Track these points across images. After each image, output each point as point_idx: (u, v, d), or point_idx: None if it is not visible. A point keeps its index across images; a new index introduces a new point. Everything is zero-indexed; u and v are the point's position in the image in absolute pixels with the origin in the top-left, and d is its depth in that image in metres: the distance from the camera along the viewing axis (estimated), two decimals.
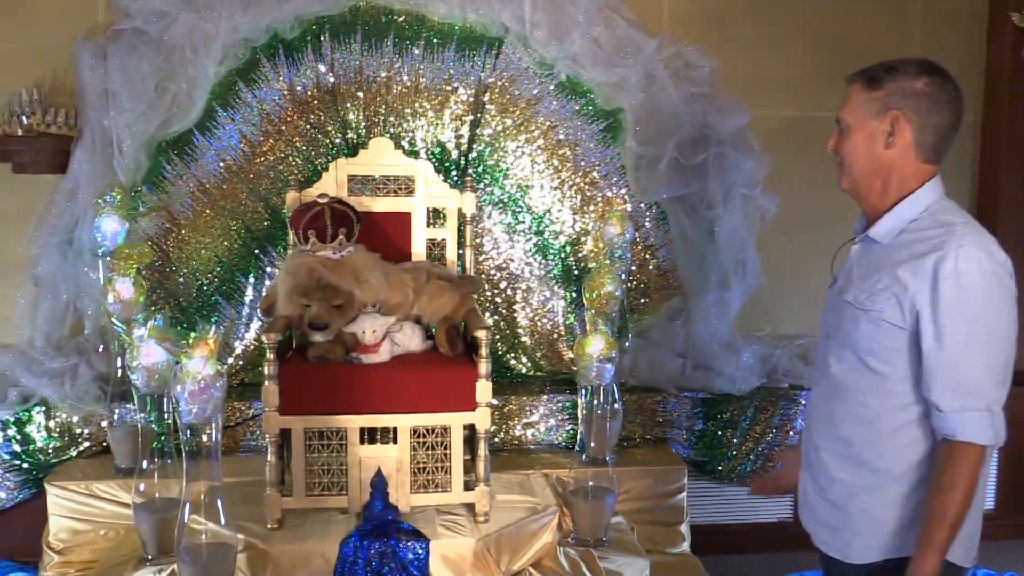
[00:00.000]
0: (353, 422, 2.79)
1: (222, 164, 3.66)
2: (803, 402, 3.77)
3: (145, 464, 2.90)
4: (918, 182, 1.93)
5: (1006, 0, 4.05)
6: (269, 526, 2.79)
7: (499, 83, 3.75)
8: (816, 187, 4.16)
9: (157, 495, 2.89)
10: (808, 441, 2.13)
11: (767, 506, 4.01)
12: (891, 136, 1.90)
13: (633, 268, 3.83)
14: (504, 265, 3.87)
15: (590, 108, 3.81)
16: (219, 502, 2.51)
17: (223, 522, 2.51)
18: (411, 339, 2.99)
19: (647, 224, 3.88)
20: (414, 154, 3.66)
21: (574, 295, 3.86)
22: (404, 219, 3.35)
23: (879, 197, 1.96)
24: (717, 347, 3.82)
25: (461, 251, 3.42)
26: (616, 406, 3.27)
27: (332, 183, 3.30)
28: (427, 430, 2.84)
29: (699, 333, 3.83)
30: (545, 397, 3.64)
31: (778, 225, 3.91)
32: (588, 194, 3.84)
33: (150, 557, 2.85)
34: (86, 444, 3.43)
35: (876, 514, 1.95)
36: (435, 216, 3.45)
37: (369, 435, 2.85)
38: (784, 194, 3.86)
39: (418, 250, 3.36)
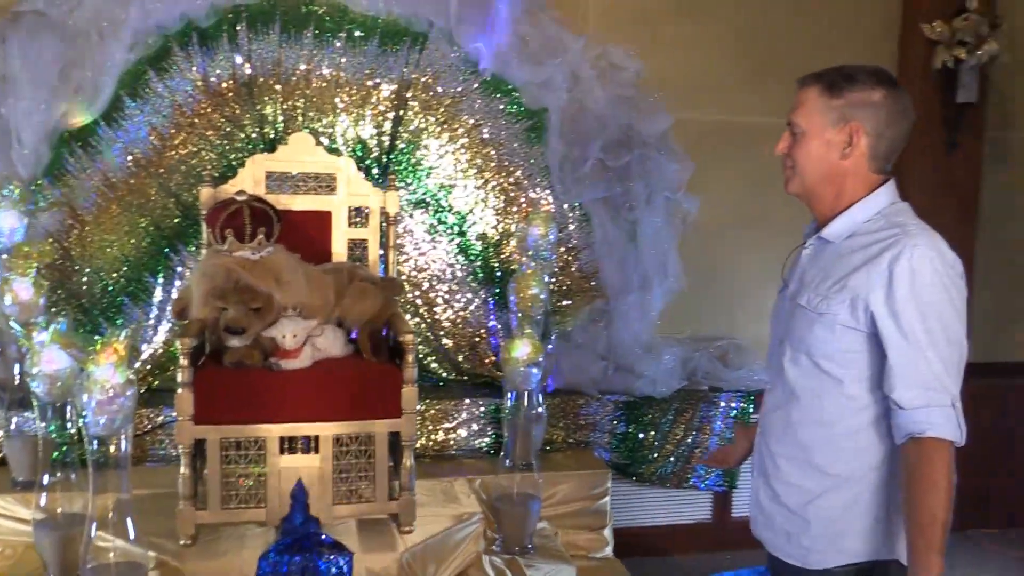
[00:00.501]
0: (272, 431, 2.67)
1: (130, 157, 3.46)
2: (722, 404, 3.81)
3: (46, 477, 2.72)
4: (866, 188, 1.95)
5: (918, 12, 4.17)
6: (182, 542, 2.65)
7: (423, 79, 3.65)
8: (737, 190, 4.23)
9: (59, 510, 2.71)
10: (763, 448, 2.11)
11: (687, 507, 4.04)
12: (848, 147, 1.92)
13: (556, 270, 3.79)
14: (425, 266, 3.78)
15: (515, 107, 3.75)
16: (128, 517, 2.37)
17: (132, 538, 2.37)
18: (333, 344, 2.88)
19: (570, 226, 3.84)
20: (335, 151, 3.54)
21: (497, 297, 3.80)
22: (324, 218, 3.24)
23: (830, 203, 1.97)
24: (638, 349, 3.82)
25: (383, 252, 3.33)
26: (540, 410, 3.23)
27: (249, 180, 3.17)
28: (350, 438, 2.74)
29: (621, 335, 3.82)
30: (467, 401, 3.57)
31: (699, 227, 3.94)
32: (512, 194, 3.78)
33: None
34: None
35: (835, 519, 1.95)
36: (356, 215, 3.34)
37: (289, 444, 2.74)
38: (705, 197, 3.89)
39: (339, 251, 3.25)
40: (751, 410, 3.82)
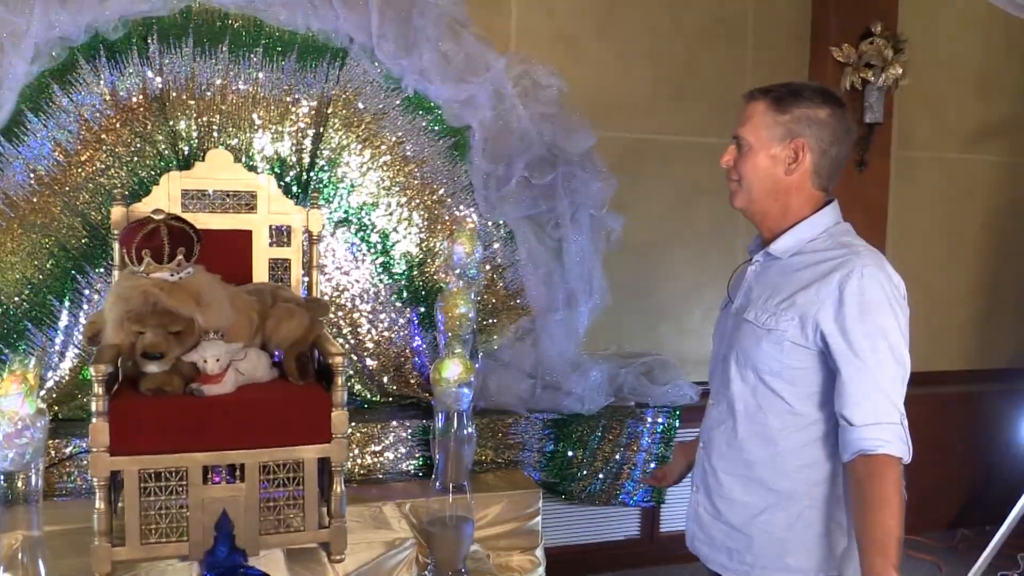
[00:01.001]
0: (195, 460, 2.54)
1: (32, 175, 3.29)
2: (649, 420, 3.82)
3: None
4: (811, 205, 1.97)
5: (826, 35, 4.31)
6: None
7: (343, 95, 3.58)
8: (658, 208, 4.29)
9: None
10: (705, 463, 2.10)
11: (616, 524, 4.05)
12: (794, 163, 1.93)
13: (481, 288, 3.76)
14: (348, 286, 3.70)
15: (437, 125, 3.71)
16: (40, 556, 2.22)
17: None
18: (257, 367, 2.76)
19: (495, 244, 3.82)
20: (252, 168, 3.43)
21: (422, 316, 3.75)
22: (244, 238, 3.14)
23: (776, 219, 1.98)
24: (565, 367, 3.80)
25: (306, 272, 3.24)
26: (470, 431, 3.18)
27: (164, 198, 3.05)
28: (277, 466, 2.63)
29: (547, 353, 3.81)
30: (394, 423, 3.49)
31: (622, 245, 3.96)
32: (435, 212, 3.74)
33: None
34: None
35: (778, 535, 1.95)
36: (278, 234, 3.24)
37: (212, 473, 2.62)
38: (628, 214, 3.92)
39: (260, 271, 3.15)
40: (677, 425, 3.85)
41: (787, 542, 1.95)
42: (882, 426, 1.78)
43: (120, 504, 2.65)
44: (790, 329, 1.88)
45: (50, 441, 3.13)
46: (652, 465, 3.82)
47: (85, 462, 3.13)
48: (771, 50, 4.39)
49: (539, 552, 3.41)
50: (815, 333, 1.85)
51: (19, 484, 2.21)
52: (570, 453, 3.73)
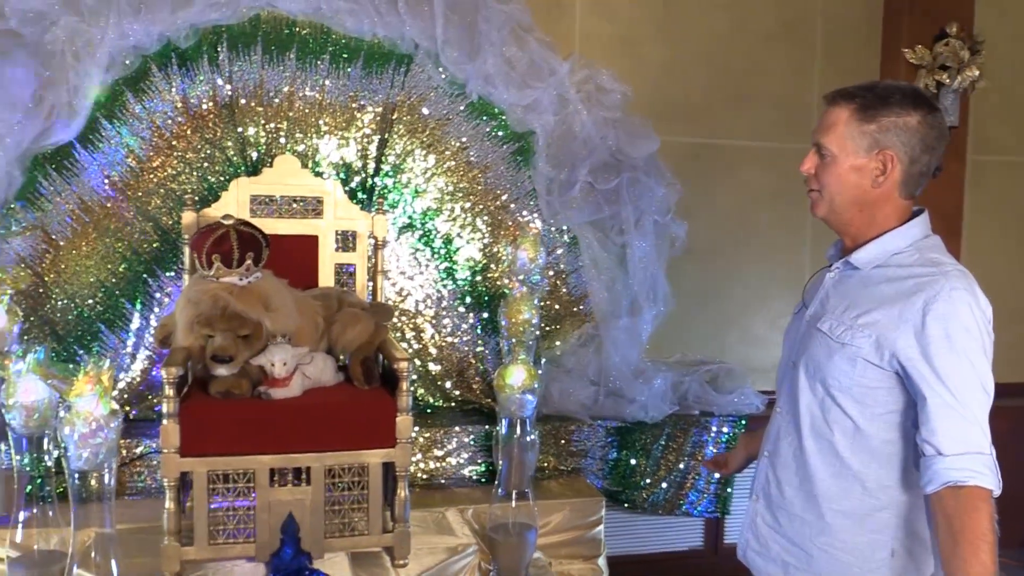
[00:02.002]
0: (262, 463, 2.57)
1: (106, 180, 3.37)
2: (714, 429, 3.76)
3: (21, 513, 2.59)
4: (898, 215, 1.87)
5: (899, 36, 4.21)
6: None
7: (408, 101, 3.60)
8: (721, 213, 4.23)
9: (36, 547, 2.59)
10: (768, 472, 2.03)
11: (680, 535, 3.99)
12: (881, 175, 1.82)
13: (544, 294, 3.74)
14: (412, 291, 3.72)
15: (501, 130, 3.71)
16: (112, 554, 2.27)
17: (116, 575, 2.26)
18: (323, 371, 2.79)
19: (558, 249, 3.80)
20: (319, 174, 3.46)
21: (485, 322, 3.74)
22: (311, 243, 3.17)
23: (860, 228, 1.89)
24: (629, 374, 3.76)
25: (371, 277, 3.26)
26: (533, 437, 3.16)
27: (233, 203, 3.10)
28: (343, 469, 2.64)
29: (611, 360, 3.77)
30: (457, 429, 3.49)
31: (685, 250, 3.91)
32: (499, 217, 3.74)
33: None
34: None
35: (840, 557, 1.88)
36: (343, 240, 3.27)
37: (279, 476, 2.64)
38: (690, 219, 3.87)
39: (326, 276, 3.18)
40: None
41: (849, 565, 1.87)
42: (972, 456, 1.68)
43: (188, 504, 2.69)
44: (865, 346, 1.79)
45: (121, 441, 3.19)
46: (716, 476, 3.76)
47: (155, 462, 3.20)
48: (840, 52, 4.29)
49: (601, 561, 3.39)
50: (890, 355, 1.76)
51: (93, 483, 2.26)
52: (633, 461, 3.69)
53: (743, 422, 3.79)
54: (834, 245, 2.02)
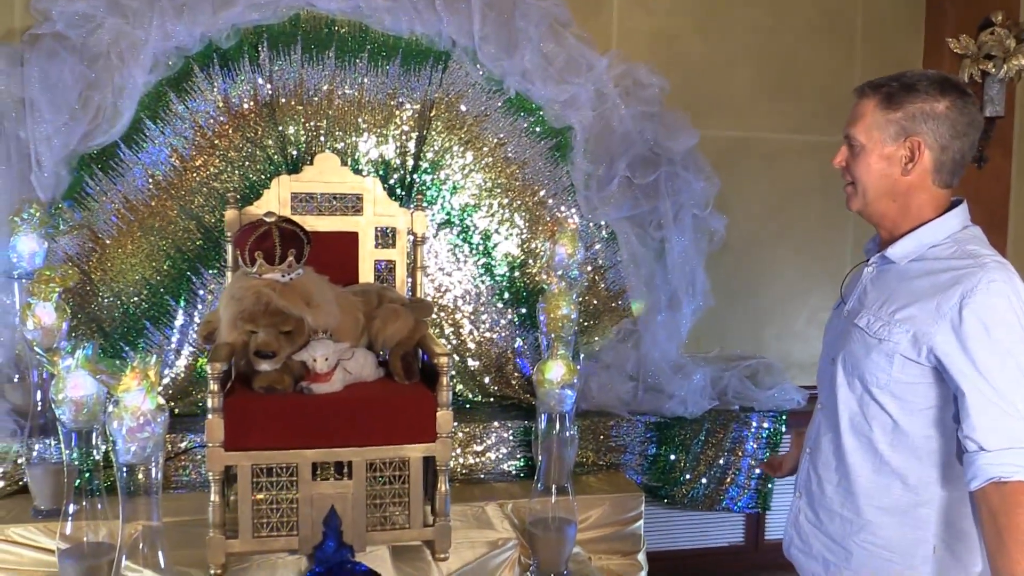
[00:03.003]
0: (304, 457, 2.60)
1: (151, 180, 3.43)
2: (754, 424, 3.73)
3: (71, 506, 2.65)
4: (934, 205, 1.84)
5: (942, 26, 4.14)
6: (212, 571, 2.57)
7: (446, 98, 3.62)
8: (760, 207, 4.19)
9: (85, 539, 2.64)
10: (809, 468, 2.02)
11: (720, 531, 3.97)
12: (910, 163, 1.80)
13: (583, 289, 3.73)
14: (450, 286, 3.73)
15: (539, 126, 3.71)
16: (159, 546, 2.30)
17: (163, 567, 2.30)
18: (364, 367, 2.81)
19: (596, 244, 3.80)
20: (358, 171, 3.49)
21: (523, 317, 3.75)
22: (351, 239, 3.20)
23: (895, 220, 1.87)
24: (668, 369, 3.75)
25: (410, 273, 3.27)
26: (572, 432, 3.16)
27: (274, 201, 3.13)
28: (384, 463, 2.67)
29: (649, 355, 3.77)
30: (496, 424, 3.50)
31: (724, 245, 3.89)
32: (537, 213, 3.74)
33: None
34: (0, 484, 3.13)
35: (879, 554, 1.86)
36: (383, 236, 3.29)
37: (321, 470, 2.67)
38: (729, 214, 3.85)
39: (366, 272, 3.20)
40: (783, 430, 3.75)
41: (889, 562, 1.85)
42: (1016, 451, 1.65)
43: (233, 498, 2.72)
44: (903, 342, 1.77)
45: (166, 436, 3.24)
46: (758, 471, 3.73)
47: (199, 456, 3.25)
48: (882, 43, 4.23)
49: (641, 556, 3.38)
50: (928, 350, 1.74)
51: (140, 476, 2.29)
52: (672, 457, 3.68)
53: (783, 417, 3.75)
54: (872, 240, 1.99)
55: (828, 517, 1.94)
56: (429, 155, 3.64)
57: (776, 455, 2.48)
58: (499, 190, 3.70)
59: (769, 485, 3.77)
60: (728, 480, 3.73)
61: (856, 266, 2.02)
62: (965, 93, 1.80)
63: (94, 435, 2.70)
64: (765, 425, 3.73)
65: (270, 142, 3.50)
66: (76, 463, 2.70)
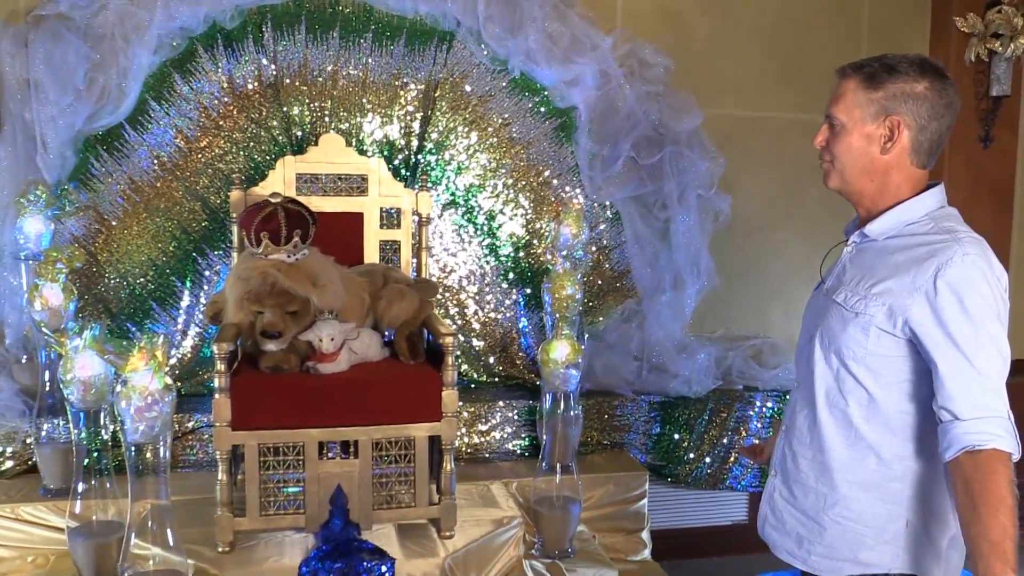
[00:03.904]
0: (311, 436, 2.61)
1: (156, 161, 3.43)
2: (758, 404, 3.74)
3: (80, 485, 2.66)
4: (911, 184, 1.87)
5: (949, 5, 4.11)
6: (220, 549, 2.60)
7: (450, 79, 3.61)
8: (766, 187, 4.18)
9: (94, 518, 2.66)
10: (785, 446, 2.02)
11: (724, 509, 3.98)
12: (889, 142, 1.83)
13: (587, 269, 3.73)
14: (455, 267, 3.74)
15: (543, 106, 3.70)
16: (168, 524, 2.32)
17: (172, 545, 2.32)
18: (369, 346, 2.82)
19: (601, 225, 3.80)
20: (363, 152, 3.49)
21: (528, 298, 3.75)
22: (356, 220, 3.19)
23: (873, 198, 1.89)
24: (672, 349, 3.76)
25: (415, 253, 3.28)
26: (577, 412, 3.17)
27: (280, 181, 3.13)
28: (390, 443, 2.68)
29: (654, 335, 3.77)
30: (501, 404, 3.51)
31: (729, 225, 3.88)
32: (541, 193, 3.74)
33: None
34: (9, 464, 3.15)
35: (852, 528, 1.87)
36: (388, 217, 3.29)
37: (327, 449, 2.68)
38: (734, 194, 3.84)
39: (371, 252, 3.20)
40: None
41: (863, 537, 1.86)
42: (990, 420, 1.67)
43: (240, 476, 2.74)
44: (878, 315, 1.78)
45: (174, 416, 3.25)
46: None
47: (206, 436, 3.27)
48: (889, 23, 4.20)
49: (645, 534, 3.39)
50: (904, 322, 1.75)
51: (148, 455, 2.31)
52: (676, 436, 3.68)
53: (787, 397, 3.74)
54: (852, 222, 2.02)
55: (803, 493, 1.95)
56: (434, 135, 3.63)
57: (759, 442, 2.50)
58: (504, 170, 3.70)
59: None
60: (732, 459, 3.73)
61: (834, 246, 2.05)
62: (944, 76, 1.84)
63: (102, 415, 2.71)
64: (769, 404, 3.74)
65: (275, 123, 3.50)
66: (85, 443, 2.71)
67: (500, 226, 3.73)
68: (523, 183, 3.72)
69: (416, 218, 3.24)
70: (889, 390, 1.82)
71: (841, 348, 1.85)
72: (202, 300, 3.49)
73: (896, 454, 1.84)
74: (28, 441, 3.13)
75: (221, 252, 3.50)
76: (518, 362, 3.75)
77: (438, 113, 3.62)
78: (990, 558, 1.62)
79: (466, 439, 3.47)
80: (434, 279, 3.57)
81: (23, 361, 3.29)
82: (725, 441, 3.72)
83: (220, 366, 2.53)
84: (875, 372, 1.82)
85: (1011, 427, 1.69)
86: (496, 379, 3.76)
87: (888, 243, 1.86)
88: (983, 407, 1.68)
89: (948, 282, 1.71)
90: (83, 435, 2.70)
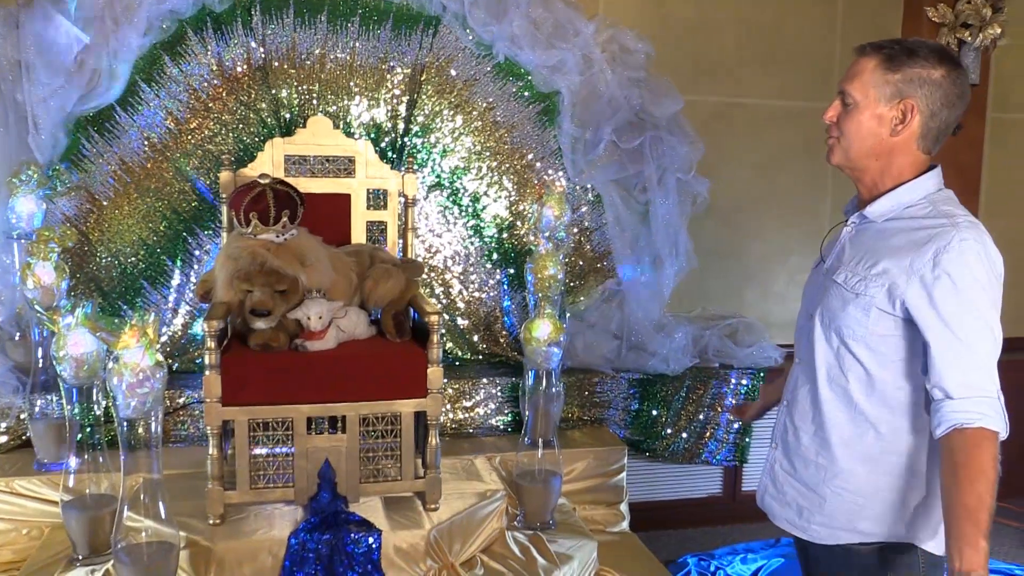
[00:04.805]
0: (299, 411, 2.60)
1: (146, 142, 3.39)
2: (733, 381, 3.77)
3: (73, 459, 2.66)
4: (914, 170, 1.86)
5: None
6: (211, 521, 2.59)
7: (436, 63, 3.59)
8: (744, 171, 4.19)
9: (87, 491, 2.65)
10: (786, 420, 2.04)
11: (700, 483, 4.03)
12: (900, 124, 1.81)
13: (569, 250, 3.73)
14: (440, 247, 3.73)
15: (527, 91, 3.68)
16: (160, 497, 2.32)
17: (164, 518, 2.31)
18: (357, 325, 2.81)
19: (583, 207, 3.80)
20: (350, 134, 3.47)
21: (511, 277, 3.75)
22: (343, 201, 3.17)
23: (875, 179, 1.88)
24: (650, 328, 3.77)
25: (401, 234, 3.27)
26: (558, 389, 3.18)
27: (268, 163, 3.10)
28: (376, 418, 2.68)
29: (633, 314, 3.78)
30: (485, 381, 3.51)
31: (707, 208, 3.89)
32: (525, 176, 3.73)
33: (80, 557, 2.61)
34: (3, 439, 3.13)
35: (851, 499, 1.89)
36: (375, 198, 3.28)
37: (316, 424, 2.68)
38: (713, 178, 3.84)
39: (358, 233, 3.18)
40: (762, 387, 3.79)
41: (861, 507, 1.89)
42: (979, 399, 1.69)
43: (230, 451, 2.74)
44: (878, 295, 1.80)
45: (165, 392, 3.25)
46: (736, 426, 3.77)
47: (197, 412, 3.26)
48: (862, 10, 4.21)
49: (623, 507, 3.42)
50: (902, 302, 1.77)
51: (140, 430, 2.30)
52: (655, 412, 3.71)
53: (761, 374, 3.79)
54: (851, 201, 2.01)
55: (803, 465, 1.97)
56: (420, 119, 3.61)
57: (742, 403, 2.54)
58: (488, 153, 3.68)
59: (747, 439, 3.82)
60: (707, 435, 3.77)
61: (835, 226, 2.04)
62: (959, 66, 1.83)
63: (95, 391, 2.70)
64: (744, 382, 3.77)
65: (263, 105, 3.47)
66: (77, 418, 2.70)
67: (484, 208, 3.72)
68: (507, 166, 3.71)
69: (402, 199, 3.23)
70: (886, 368, 1.83)
71: (841, 327, 1.87)
72: (192, 279, 3.47)
73: (893, 428, 1.86)
74: (22, 417, 3.12)
75: (211, 232, 3.47)
76: (501, 340, 3.75)
77: (424, 96, 3.59)
78: (964, 522, 1.65)
79: (451, 415, 3.48)
80: (420, 259, 3.56)
81: (16, 338, 3.26)
82: (701, 417, 3.75)
83: (210, 343, 2.51)
84: (874, 351, 1.84)
85: (999, 407, 1.71)
86: (480, 357, 3.77)
87: (887, 225, 1.86)
88: (973, 387, 1.70)
89: (944, 266, 1.72)
90: (76, 411, 2.70)
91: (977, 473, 1.66)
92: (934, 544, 1.87)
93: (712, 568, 3.53)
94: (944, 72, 1.79)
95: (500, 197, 3.72)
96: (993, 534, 1.68)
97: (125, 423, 2.27)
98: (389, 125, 3.59)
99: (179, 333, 3.52)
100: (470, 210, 3.72)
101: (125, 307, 3.43)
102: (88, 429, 2.70)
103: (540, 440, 3.01)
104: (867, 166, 1.88)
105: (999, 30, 4.04)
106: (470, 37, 3.58)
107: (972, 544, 1.63)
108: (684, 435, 3.75)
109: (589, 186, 3.77)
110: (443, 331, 3.62)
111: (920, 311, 1.74)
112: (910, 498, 1.88)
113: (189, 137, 3.43)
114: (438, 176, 3.67)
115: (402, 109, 3.59)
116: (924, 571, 1.88)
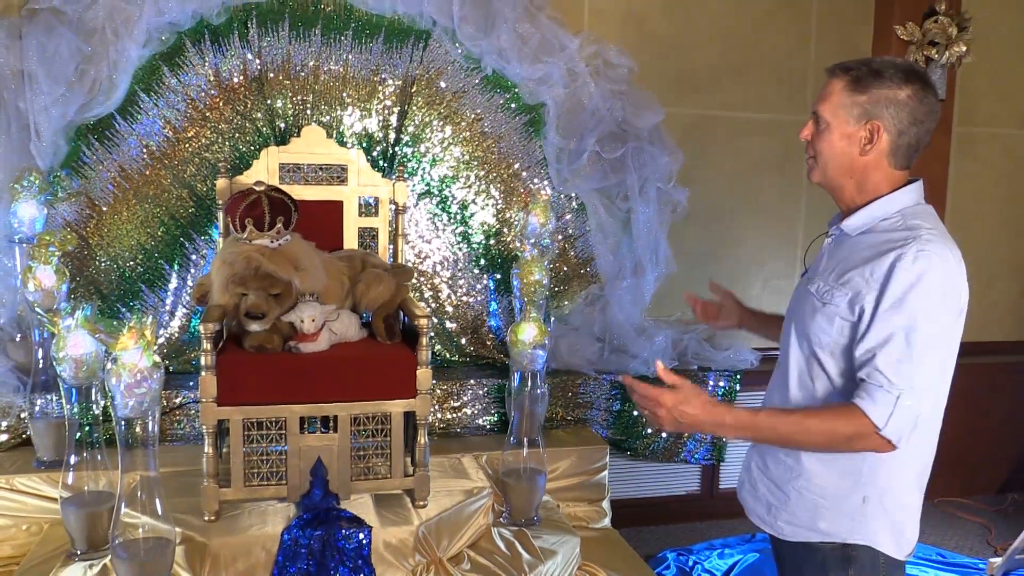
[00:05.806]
0: (293, 411, 2.60)
1: (145, 150, 3.38)
2: (711, 383, 3.78)
3: (72, 457, 2.64)
4: (889, 183, 1.85)
5: (890, 14, 4.14)
6: (206, 518, 2.59)
7: (426, 75, 3.59)
8: (722, 182, 4.21)
9: (86, 488, 2.63)
10: None
11: (679, 481, 4.04)
12: (868, 144, 1.82)
13: (554, 256, 3.74)
14: (430, 253, 3.73)
15: (514, 103, 3.70)
16: (156, 494, 2.30)
17: (160, 514, 2.30)
18: (348, 328, 2.81)
19: (567, 215, 3.81)
20: (343, 143, 3.46)
21: (497, 283, 3.76)
22: (336, 208, 3.17)
23: (852, 195, 1.89)
24: (632, 331, 3.78)
25: (392, 240, 3.26)
26: (543, 390, 3.18)
27: (263, 171, 3.10)
28: (367, 418, 2.68)
29: (615, 318, 3.79)
30: (472, 382, 3.52)
31: (687, 216, 3.90)
32: (511, 185, 3.74)
33: (79, 552, 2.59)
34: (4, 437, 3.11)
35: (813, 500, 1.89)
36: (366, 205, 3.28)
37: (308, 424, 2.68)
38: (692, 187, 3.86)
39: (350, 239, 3.18)
40: (738, 389, 3.81)
41: (821, 507, 1.89)
42: (879, 390, 1.70)
43: (225, 450, 2.73)
44: (842, 305, 1.80)
45: (162, 392, 3.23)
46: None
47: (193, 411, 3.24)
48: (835, 28, 4.23)
49: (605, 503, 3.43)
50: (861, 309, 1.77)
51: (138, 429, 2.28)
52: (635, 413, 3.71)
53: (738, 377, 3.81)
54: (836, 214, 2.01)
55: (774, 463, 1.98)
56: (410, 129, 3.62)
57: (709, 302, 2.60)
58: (476, 163, 3.69)
59: (723, 440, 3.83)
60: (685, 435, 3.77)
61: (817, 237, 2.05)
62: (927, 84, 1.82)
63: (93, 391, 2.68)
64: (721, 384, 3.79)
65: (259, 115, 3.46)
66: (77, 417, 2.68)
67: (472, 215, 3.73)
68: (494, 175, 3.71)
69: (393, 207, 3.23)
70: (849, 377, 1.83)
71: (810, 335, 1.87)
72: (189, 283, 3.46)
73: None
74: (22, 416, 3.10)
75: (207, 237, 3.46)
76: (488, 343, 3.76)
77: (414, 107, 3.60)
78: (745, 413, 1.83)
79: (439, 415, 3.48)
80: (410, 264, 3.56)
81: (17, 339, 3.24)
82: None
83: (206, 345, 2.51)
84: (835, 358, 1.84)
85: (893, 406, 1.70)
86: (467, 359, 3.77)
87: (860, 238, 1.85)
88: (881, 378, 1.71)
89: (898, 275, 1.71)
90: (75, 410, 2.68)
91: (815, 426, 1.78)
92: (892, 547, 1.87)
93: (690, 563, 3.54)
94: (911, 91, 1.79)
95: (487, 205, 3.73)
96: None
97: (123, 422, 2.25)
98: (381, 135, 3.59)
99: (176, 335, 3.50)
100: (458, 217, 3.72)
101: (124, 310, 3.42)
102: (87, 428, 2.68)
103: (525, 439, 3.01)
104: (843, 184, 1.89)
105: (964, 48, 4.08)
106: (459, 51, 3.58)
107: (733, 419, 1.81)
108: (663, 435, 3.76)
109: (573, 195, 3.78)
110: (432, 334, 3.66)
111: (866, 314, 1.75)
112: (871, 502, 1.87)
113: (187, 145, 3.42)
114: (428, 184, 3.68)
115: (393, 119, 3.59)
116: (884, 571, 1.88)
